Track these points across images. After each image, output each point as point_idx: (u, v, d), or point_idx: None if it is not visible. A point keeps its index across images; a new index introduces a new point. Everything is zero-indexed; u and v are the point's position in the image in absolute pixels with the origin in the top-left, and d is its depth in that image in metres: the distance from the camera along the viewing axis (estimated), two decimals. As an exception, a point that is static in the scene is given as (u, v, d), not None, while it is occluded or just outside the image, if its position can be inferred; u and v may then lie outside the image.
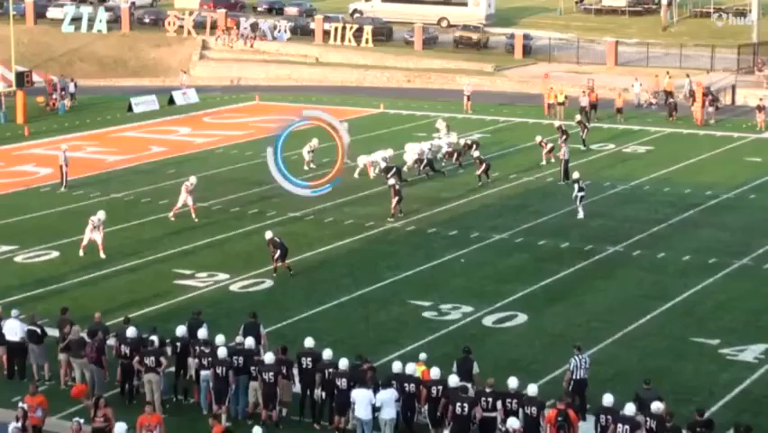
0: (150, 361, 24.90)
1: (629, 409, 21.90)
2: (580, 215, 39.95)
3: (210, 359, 24.63)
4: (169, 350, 25.50)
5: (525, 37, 77.65)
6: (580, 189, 40.27)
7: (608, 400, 22.34)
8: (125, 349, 25.54)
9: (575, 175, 41.76)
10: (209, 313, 29.67)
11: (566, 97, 60.06)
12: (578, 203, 40.08)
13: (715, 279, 34.13)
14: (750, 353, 28.27)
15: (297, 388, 24.87)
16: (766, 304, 31.99)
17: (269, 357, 24.43)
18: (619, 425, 21.76)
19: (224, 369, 24.32)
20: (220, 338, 25.26)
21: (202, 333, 25.67)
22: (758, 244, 37.17)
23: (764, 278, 34.32)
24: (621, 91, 61.55)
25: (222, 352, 24.57)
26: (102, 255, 35.86)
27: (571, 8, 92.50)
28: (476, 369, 24.34)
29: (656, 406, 21.96)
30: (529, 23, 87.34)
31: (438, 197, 43.69)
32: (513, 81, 70.13)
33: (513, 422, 21.86)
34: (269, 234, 34.83)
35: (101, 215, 36.62)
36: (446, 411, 22.91)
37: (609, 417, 22.05)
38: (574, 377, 24.45)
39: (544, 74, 67.38)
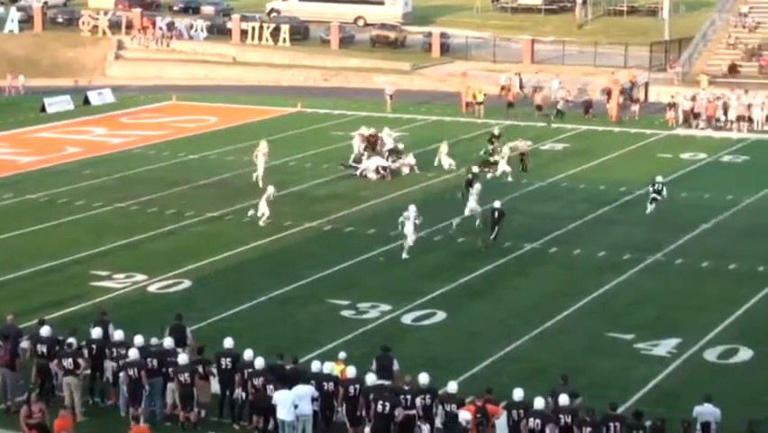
0: (67, 363, 24.64)
1: (538, 403, 22.18)
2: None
3: (123, 361, 24.47)
4: (85, 352, 25.24)
5: (443, 36, 78.02)
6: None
7: (518, 394, 22.57)
8: (41, 348, 25.22)
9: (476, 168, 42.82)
10: (127, 314, 29.48)
11: (485, 96, 60.51)
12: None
13: (629, 274, 34.61)
14: (663, 347, 28.72)
15: (216, 388, 24.80)
16: (678, 299, 32.55)
17: (182, 358, 24.31)
18: (531, 419, 22.04)
19: (136, 370, 24.14)
20: (139, 339, 25.11)
21: (119, 334, 25.49)
22: (670, 240, 37.77)
23: (676, 273, 34.90)
24: (539, 89, 62.15)
25: (133, 353, 24.40)
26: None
27: (487, 7, 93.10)
28: (396, 365, 24.44)
29: (564, 399, 22.25)
30: (446, 22, 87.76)
31: (357, 195, 43.77)
32: (430, 80, 70.43)
33: (464, 415, 22.03)
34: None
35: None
36: (367, 410, 22.99)
37: (521, 411, 22.29)
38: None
39: (462, 72, 67.76)
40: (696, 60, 67.68)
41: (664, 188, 40.89)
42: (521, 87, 63.99)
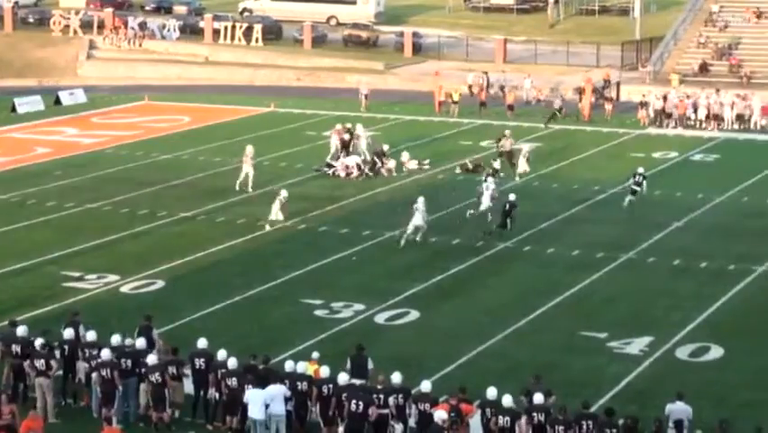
0: (40, 364, 24.53)
1: (507, 400, 22.30)
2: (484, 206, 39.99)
3: (96, 361, 24.39)
4: (57, 353, 25.14)
5: (415, 35, 78.12)
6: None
7: (491, 393, 22.66)
8: (16, 348, 25.08)
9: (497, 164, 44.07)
10: (99, 315, 29.36)
11: (461, 95, 60.61)
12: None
13: (602, 273, 34.74)
14: (636, 345, 28.85)
15: (189, 389, 24.75)
16: (650, 297, 32.69)
17: (151, 358, 24.25)
18: (500, 417, 22.14)
19: (109, 371, 24.06)
20: (116, 339, 25.06)
21: (91, 335, 25.40)
22: (642, 238, 37.94)
23: (648, 271, 35.05)
24: (511, 88, 62.29)
25: (105, 354, 24.31)
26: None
27: (459, 6, 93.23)
28: (371, 364, 24.45)
29: (538, 397, 22.35)
30: (418, 21, 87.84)
31: (331, 195, 43.75)
32: (403, 79, 70.47)
33: (440, 414, 22.07)
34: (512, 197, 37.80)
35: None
36: (341, 409, 23.00)
37: (494, 409, 22.38)
38: None
39: (435, 72, 67.81)
40: (667, 59, 68.02)
41: (645, 181, 41.42)
42: (488, 86, 64.04)
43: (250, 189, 43.36)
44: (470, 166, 47.36)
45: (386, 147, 48.42)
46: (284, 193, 39.42)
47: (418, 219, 36.92)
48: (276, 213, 39.00)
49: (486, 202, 39.02)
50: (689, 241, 38.14)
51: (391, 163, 47.51)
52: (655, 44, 70.42)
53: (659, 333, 29.58)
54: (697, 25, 70.39)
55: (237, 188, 43.44)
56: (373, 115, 59.52)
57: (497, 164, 44.62)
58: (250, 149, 44.44)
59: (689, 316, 30.96)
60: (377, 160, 47.33)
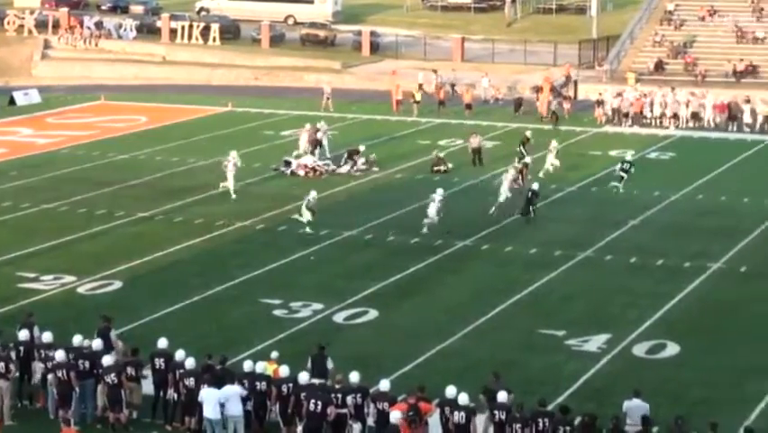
0: (0, 366, 24.35)
1: (463, 398, 22.33)
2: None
3: (52, 363, 24.24)
4: (13, 355, 24.96)
5: (373, 34, 78.17)
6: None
7: (450, 391, 22.68)
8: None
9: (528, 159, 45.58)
10: (55, 316, 29.18)
11: (422, 96, 60.66)
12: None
13: (560, 271, 34.89)
14: (593, 343, 29.00)
15: (147, 390, 24.64)
16: (607, 295, 32.87)
17: (107, 359, 24.13)
18: (455, 413, 22.20)
19: (65, 372, 23.92)
20: (77, 339, 24.97)
21: (47, 336, 25.25)
22: (600, 236, 38.14)
23: (605, 269, 35.24)
24: (468, 87, 62.41)
25: (60, 355, 24.16)
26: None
27: (417, 5, 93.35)
28: (330, 364, 24.46)
29: (502, 395, 22.44)
30: (376, 20, 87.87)
31: (289, 194, 43.65)
32: (360, 78, 70.47)
33: (396, 414, 22.10)
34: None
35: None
36: (299, 409, 22.99)
37: (451, 407, 22.43)
38: None
39: (392, 71, 67.86)
40: (623, 58, 68.43)
41: (632, 168, 43.36)
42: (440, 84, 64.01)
43: (221, 187, 43.13)
44: (437, 168, 47.14)
45: (362, 148, 48.38)
46: (313, 194, 39.11)
47: (432, 210, 38.01)
48: (305, 212, 38.67)
49: (504, 192, 40.47)
50: (645, 239, 38.38)
51: (361, 163, 47.56)
52: (612, 43, 70.86)
53: (616, 330, 29.76)
54: (653, 24, 70.90)
55: (233, 195, 43.13)
56: (330, 114, 59.44)
57: (528, 159, 45.56)
58: (233, 154, 43.99)
59: (645, 313, 31.17)
60: (347, 160, 47.41)
